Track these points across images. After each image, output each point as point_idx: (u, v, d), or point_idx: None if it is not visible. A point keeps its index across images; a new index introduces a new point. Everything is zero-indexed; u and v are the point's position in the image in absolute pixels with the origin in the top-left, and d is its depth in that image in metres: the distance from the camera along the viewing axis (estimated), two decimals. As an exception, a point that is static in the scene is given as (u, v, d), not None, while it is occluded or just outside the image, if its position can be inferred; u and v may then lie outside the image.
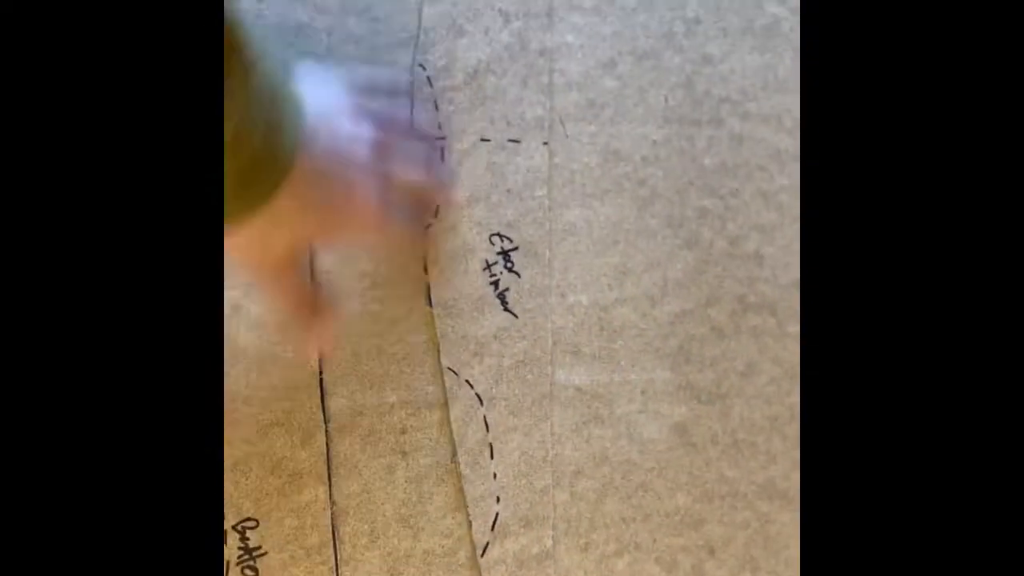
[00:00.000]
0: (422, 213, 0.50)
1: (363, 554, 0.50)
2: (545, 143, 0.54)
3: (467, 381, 0.52)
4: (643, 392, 0.54)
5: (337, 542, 0.50)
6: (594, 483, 0.53)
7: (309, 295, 0.48)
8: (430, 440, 0.52)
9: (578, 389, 0.53)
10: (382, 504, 0.51)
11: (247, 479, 0.50)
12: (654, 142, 0.56)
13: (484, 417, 0.52)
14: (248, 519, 0.50)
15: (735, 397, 0.55)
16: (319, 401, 0.51)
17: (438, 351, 0.52)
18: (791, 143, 0.56)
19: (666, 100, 0.56)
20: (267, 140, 0.36)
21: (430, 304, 0.53)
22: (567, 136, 0.54)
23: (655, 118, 0.56)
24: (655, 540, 0.53)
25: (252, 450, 0.50)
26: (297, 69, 0.41)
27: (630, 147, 0.55)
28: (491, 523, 0.52)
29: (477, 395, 0.52)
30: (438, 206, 0.52)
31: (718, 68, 0.57)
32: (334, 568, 0.50)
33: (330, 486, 0.50)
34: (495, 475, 0.52)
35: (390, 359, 0.52)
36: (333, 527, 0.50)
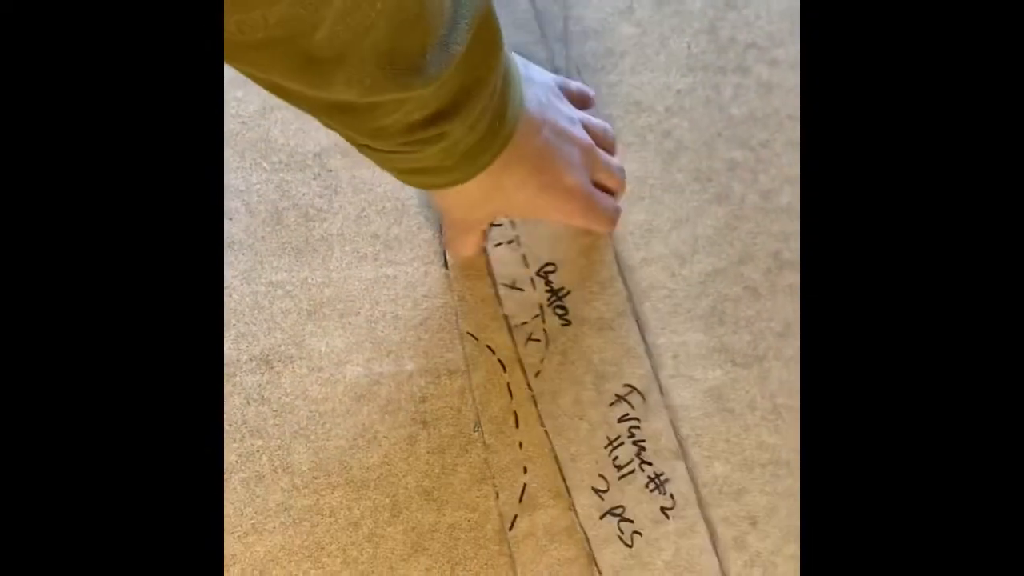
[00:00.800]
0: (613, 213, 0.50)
1: (385, 529, 0.48)
2: (563, 95, 0.51)
3: (488, 347, 0.50)
4: (675, 356, 0.51)
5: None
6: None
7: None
8: (451, 409, 0.49)
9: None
10: (403, 476, 0.48)
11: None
12: (678, 92, 0.53)
13: (507, 384, 0.49)
14: (548, 264, 0.50)
15: (773, 359, 0.52)
16: None
17: (457, 316, 0.50)
18: (823, 90, 0.53)
19: (689, 47, 0.53)
20: (495, 117, 0.41)
21: (446, 267, 0.50)
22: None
23: (678, 66, 0.53)
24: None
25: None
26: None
27: (653, 97, 0.53)
28: (519, 495, 0.49)
29: (499, 361, 0.50)
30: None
31: (742, 13, 0.54)
32: (628, 297, 0.51)
33: None
34: (521, 444, 0.49)
35: (406, 325, 0.49)
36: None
